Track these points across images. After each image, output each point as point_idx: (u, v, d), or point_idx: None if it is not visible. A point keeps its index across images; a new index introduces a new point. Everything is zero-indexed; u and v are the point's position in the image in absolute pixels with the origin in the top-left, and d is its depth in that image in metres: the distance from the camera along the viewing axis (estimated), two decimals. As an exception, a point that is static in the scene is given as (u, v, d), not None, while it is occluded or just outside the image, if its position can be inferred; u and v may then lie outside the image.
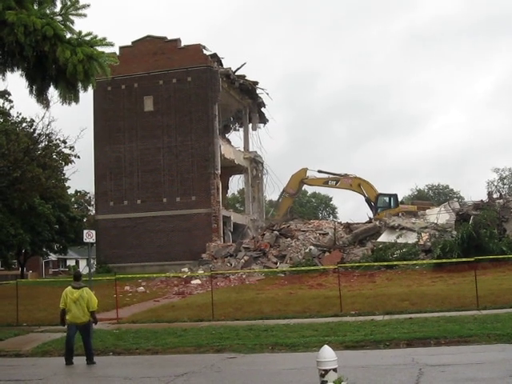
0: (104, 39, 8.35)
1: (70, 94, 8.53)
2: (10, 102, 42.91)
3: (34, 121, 41.00)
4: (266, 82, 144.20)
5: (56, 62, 8.05)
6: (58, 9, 8.36)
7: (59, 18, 8.22)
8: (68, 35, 8.19)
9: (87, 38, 8.27)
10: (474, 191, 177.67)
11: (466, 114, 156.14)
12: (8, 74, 8.79)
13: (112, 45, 8.52)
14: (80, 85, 8.50)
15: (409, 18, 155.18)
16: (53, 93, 8.98)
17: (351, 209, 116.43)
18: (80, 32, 8.27)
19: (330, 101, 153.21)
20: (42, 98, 8.83)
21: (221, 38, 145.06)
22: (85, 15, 8.26)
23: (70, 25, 8.26)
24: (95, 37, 8.32)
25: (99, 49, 8.29)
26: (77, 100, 8.72)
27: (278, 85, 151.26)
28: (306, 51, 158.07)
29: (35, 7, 8.26)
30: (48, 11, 8.24)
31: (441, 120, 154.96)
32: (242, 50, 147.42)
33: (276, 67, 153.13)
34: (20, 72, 8.59)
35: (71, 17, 8.25)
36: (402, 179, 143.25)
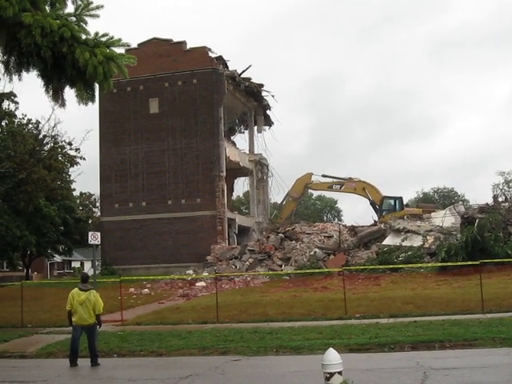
0: (120, 40, 8.40)
1: (87, 94, 8.59)
2: (16, 103, 43.11)
3: (39, 122, 41.14)
4: (290, 85, 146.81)
5: (75, 63, 8.10)
6: (70, 9, 8.42)
7: (73, 18, 8.27)
8: (83, 36, 8.25)
9: (103, 39, 8.30)
10: (480, 194, 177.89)
11: (484, 119, 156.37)
12: (24, 73, 8.84)
13: (129, 45, 8.60)
14: (98, 85, 8.57)
15: (436, 23, 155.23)
16: (67, 92, 9.04)
17: (359, 212, 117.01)
18: (97, 33, 8.33)
19: (353, 104, 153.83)
20: (57, 97, 8.88)
21: (247, 43, 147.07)
22: (98, 16, 8.32)
23: (84, 25, 8.32)
24: (111, 37, 8.35)
25: (116, 50, 8.34)
26: (93, 100, 8.79)
27: (304, 88, 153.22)
28: (332, 56, 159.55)
29: (47, 8, 8.30)
30: (61, 12, 8.29)
31: (459, 125, 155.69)
32: (268, 55, 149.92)
33: (301, 71, 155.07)
34: (36, 72, 8.64)
35: (85, 17, 8.30)
36: (416, 182, 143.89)
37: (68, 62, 8.13)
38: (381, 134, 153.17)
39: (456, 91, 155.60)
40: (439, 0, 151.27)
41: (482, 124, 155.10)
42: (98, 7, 8.31)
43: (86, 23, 8.34)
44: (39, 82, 8.87)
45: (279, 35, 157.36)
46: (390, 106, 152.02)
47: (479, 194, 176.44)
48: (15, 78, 8.90)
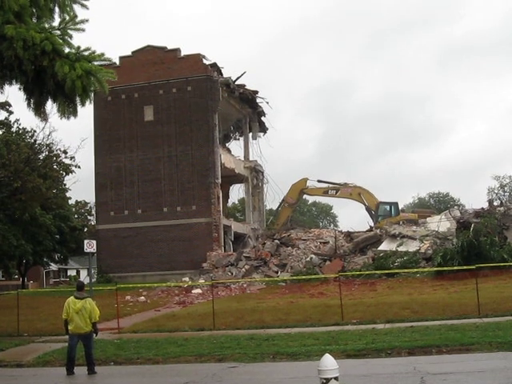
0: (102, 54, 8.35)
1: (68, 109, 8.53)
2: (11, 113, 43.00)
3: (35, 131, 41.05)
4: (299, 92, 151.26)
5: (54, 77, 8.05)
6: (56, 23, 8.38)
7: (58, 32, 8.22)
8: (66, 50, 8.19)
9: (86, 53, 8.27)
10: (476, 199, 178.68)
11: (489, 125, 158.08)
12: (6, 86, 8.81)
13: (110, 60, 8.54)
14: (78, 99, 8.50)
15: (444, 31, 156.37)
16: (51, 105, 8.99)
17: (358, 218, 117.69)
18: (79, 47, 8.27)
19: (361, 111, 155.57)
20: (39, 111, 8.83)
21: (257, 51, 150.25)
22: (83, 30, 8.27)
23: (69, 39, 8.28)
24: (93, 52, 8.31)
25: (97, 64, 8.28)
26: (75, 114, 8.72)
27: (313, 95, 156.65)
28: (340, 64, 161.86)
29: (34, 21, 8.26)
30: (47, 25, 8.24)
31: (465, 131, 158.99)
32: (278, 63, 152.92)
33: (311, 78, 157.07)
34: (18, 85, 8.60)
35: (70, 31, 8.26)
36: (420, 188, 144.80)
37: (48, 75, 8.08)
38: (387, 141, 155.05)
39: (463, 98, 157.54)
40: (447, 8, 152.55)
41: (487, 130, 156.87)
42: (83, 21, 8.28)
43: (70, 37, 8.30)
44: (22, 96, 8.84)
45: (289, 43, 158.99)
46: (398, 112, 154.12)
47: (476, 199, 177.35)
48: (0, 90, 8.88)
